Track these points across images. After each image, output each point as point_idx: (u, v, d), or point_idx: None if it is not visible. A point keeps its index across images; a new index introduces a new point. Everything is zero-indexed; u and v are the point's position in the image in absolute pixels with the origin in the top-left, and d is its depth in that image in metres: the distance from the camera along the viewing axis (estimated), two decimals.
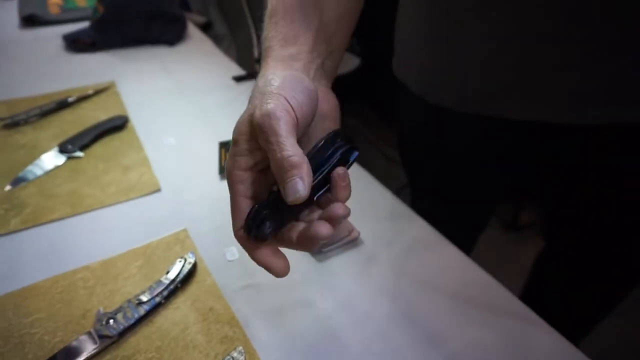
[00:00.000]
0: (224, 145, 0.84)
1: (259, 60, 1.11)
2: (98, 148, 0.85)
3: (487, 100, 0.64)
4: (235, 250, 0.63)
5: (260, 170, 0.37)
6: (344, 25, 0.50)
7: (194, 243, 0.63)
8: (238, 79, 1.10)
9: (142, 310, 0.52)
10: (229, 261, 0.61)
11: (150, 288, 0.55)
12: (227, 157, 0.38)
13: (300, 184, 0.32)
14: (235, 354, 0.48)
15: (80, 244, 0.64)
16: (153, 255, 0.61)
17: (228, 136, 0.84)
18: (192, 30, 1.42)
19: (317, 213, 0.38)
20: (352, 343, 0.51)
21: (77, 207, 0.70)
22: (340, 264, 0.62)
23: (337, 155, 0.37)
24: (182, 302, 0.55)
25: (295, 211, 0.37)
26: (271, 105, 0.34)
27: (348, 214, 0.34)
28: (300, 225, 0.36)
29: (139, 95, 1.02)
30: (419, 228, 0.67)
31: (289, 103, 0.35)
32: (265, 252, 0.36)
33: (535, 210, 1.88)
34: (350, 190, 0.36)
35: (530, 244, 1.76)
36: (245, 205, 0.36)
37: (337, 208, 0.34)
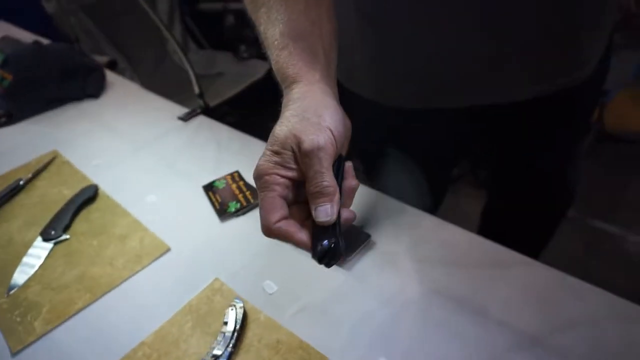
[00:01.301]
0: (208, 189, 0.86)
1: (200, 95, 1.13)
2: (80, 225, 0.83)
3: (435, 95, 0.76)
4: (272, 284, 0.68)
5: (293, 182, 0.44)
6: (336, 37, 0.55)
7: (231, 289, 0.67)
8: (184, 118, 1.11)
9: None
10: (270, 294, 0.67)
11: (217, 342, 0.59)
12: (262, 159, 0.44)
13: (330, 209, 0.41)
14: None
15: (119, 324, 0.65)
16: (200, 312, 0.64)
17: (203, 179, 0.87)
18: (110, 76, 1.37)
19: None
20: (406, 326, 0.60)
21: (96, 290, 0.69)
22: (366, 266, 0.70)
23: (340, 170, 0.46)
24: (249, 345, 0.60)
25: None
26: (322, 140, 0.41)
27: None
28: None
29: (91, 159, 1.00)
30: (413, 216, 0.77)
31: (334, 137, 0.43)
32: (304, 234, 0.43)
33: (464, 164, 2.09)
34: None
35: (465, 194, 1.99)
36: (280, 204, 0.43)
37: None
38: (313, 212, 0.42)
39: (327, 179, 0.42)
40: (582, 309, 0.60)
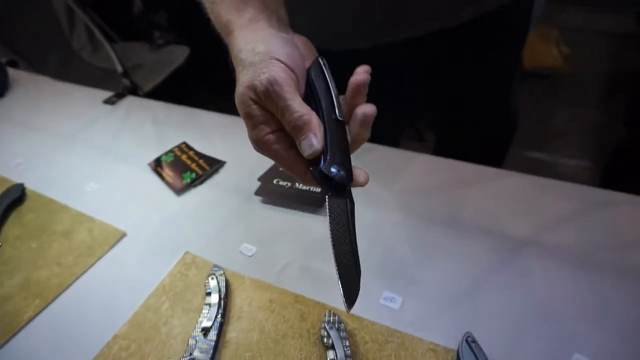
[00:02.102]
0: (156, 165, 0.78)
1: (125, 74, 1.02)
2: (12, 229, 0.72)
3: (370, 30, 0.72)
4: (249, 246, 0.62)
5: (283, 129, 0.40)
6: None
7: (205, 259, 0.61)
8: (111, 101, 1.01)
9: (213, 335, 0.50)
10: (250, 256, 0.61)
11: (203, 315, 0.52)
12: (248, 129, 0.40)
13: (313, 139, 0.37)
14: (328, 318, 0.50)
15: (85, 322, 0.56)
16: (176, 289, 0.58)
17: (147, 157, 0.79)
18: (13, 73, 1.21)
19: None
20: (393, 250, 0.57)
21: (47, 294, 0.60)
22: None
23: (327, 74, 0.41)
24: (239, 311, 0.54)
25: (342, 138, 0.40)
26: (267, 73, 0.37)
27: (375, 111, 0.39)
28: None
29: (10, 161, 0.87)
30: (380, 152, 0.75)
31: (283, 63, 0.38)
32: (294, 152, 0.39)
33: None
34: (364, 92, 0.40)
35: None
36: (294, 157, 0.39)
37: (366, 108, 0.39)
38: (300, 149, 0.38)
39: (296, 110, 0.37)
40: (563, 206, 0.60)
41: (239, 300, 0.55)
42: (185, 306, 0.56)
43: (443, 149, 1.21)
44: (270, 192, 0.68)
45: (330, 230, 0.37)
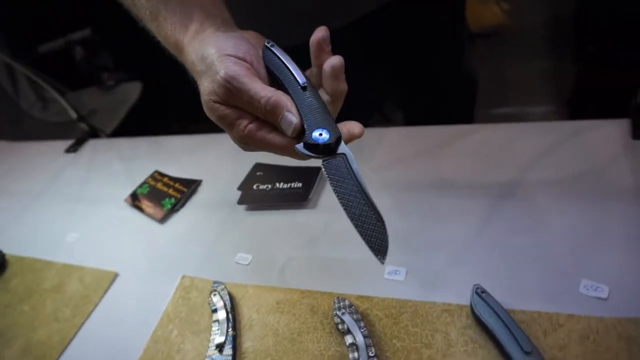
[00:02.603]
0: (133, 199, 0.77)
1: (81, 119, 1.00)
2: (2, 299, 0.69)
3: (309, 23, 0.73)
4: (244, 255, 0.61)
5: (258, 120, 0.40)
6: None
7: (204, 278, 0.60)
8: (72, 149, 0.98)
9: (229, 349, 0.50)
10: (247, 265, 0.60)
11: (214, 332, 0.52)
12: (228, 132, 0.41)
13: (289, 116, 0.37)
14: (338, 304, 0.50)
15: None
16: (181, 315, 0.56)
17: (122, 194, 0.78)
18: None
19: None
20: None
21: (51, 352, 0.58)
22: (329, 197, 0.66)
23: (276, 51, 0.41)
24: (249, 320, 0.53)
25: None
26: (221, 72, 0.38)
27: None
28: None
29: None
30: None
31: (233, 56, 0.39)
32: (277, 134, 0.39)
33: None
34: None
35: None
36: (281, 138, 0.39)
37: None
38: (282, 131, 0.38)
39: (261, 96, 0.37)
40: (537, 145, 0.62)
41: (246, 310, 0.55)
42: (194, 329, 0.54)
43: (412, 123, 1.23)
44: (252, 198, 0.68)
45: (335, 192, 0.36)
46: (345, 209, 0.36)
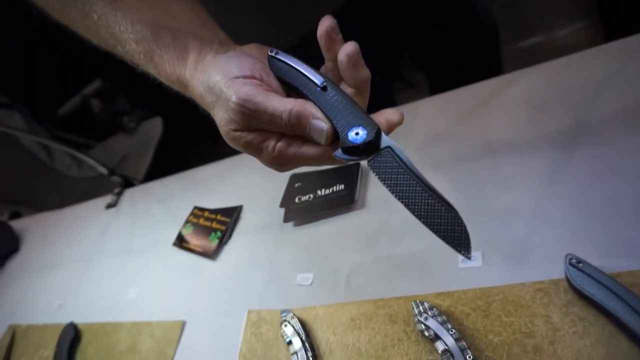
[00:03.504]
0: (180, 242, 0.75)
1: (111, 172, 1.00)
2: None
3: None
4: (305, 275, 0.58)
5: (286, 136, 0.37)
6: (199, 10, 0.46)
7: (270, 309, 0.57)
8: (112, 204, 0.99)
9: None
10: (310, 285, 0.57)
11: None
12: (258, 158, 0.38)
13: (317, 123, 0.34)
14: (417, 310, 0.45)
15: None
16: (257, 353, 0.54)
17: (169, 238, 0.76)
18: (15, 224, 1.21)
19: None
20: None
21: None
22: (374, 196, 0.61)
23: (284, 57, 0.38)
24: (328, 344, 0.50)
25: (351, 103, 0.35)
26: (232, 97, 0.34)
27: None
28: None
29: (51, 304, 0.85)
30: None
31: (240, 77, 0.35)
32: (310, 146, 0.37)
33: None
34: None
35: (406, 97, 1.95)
36: (316, 149, 0.36)
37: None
38: (315, 141, 0.35)
39: (281, 110, 0.34)
40: (590, 76, 0.54)
41: (322, 334, 0.51)
42: None
43: (438, 83, 1.15)
44: (297, 212, 0.64)
45: (392, 191, 0.32)
46: (408, 208, 0.32)
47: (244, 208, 0.73)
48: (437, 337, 0.42)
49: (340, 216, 0.61)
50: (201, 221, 0.75)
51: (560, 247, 0.42)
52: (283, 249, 0.63)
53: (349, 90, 0.36)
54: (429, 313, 0.44)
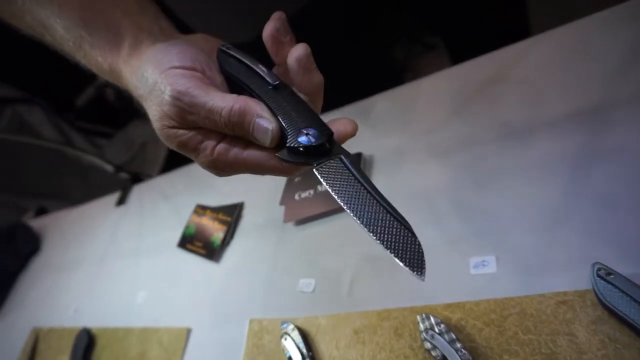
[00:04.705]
0: (184, 243, 0.72)
1: (118, 169, 0.98)
2: None
3: None
4: (307, 281, 0.54)
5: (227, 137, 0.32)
6: None
7: (271, 318, 0.54)
8: (120, 201, 0.97)
9: None
10: (312, 292, 0.53)
11: None
12: (194, 159, 0.34)
13: (262, 122, 0.30)
14: (423, 325, 0.41)
15: None
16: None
17: (174, 238, 0.74)
18: (36, 222, 1.22)
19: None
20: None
21: None
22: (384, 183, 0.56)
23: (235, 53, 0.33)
24: (330, 357, 0.46)
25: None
26: (168, 89, 0.30)
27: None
28: None
29: (67, 308, 0.86)
30: (387, 102, 0.63)
31: (178, 68, 0.31)
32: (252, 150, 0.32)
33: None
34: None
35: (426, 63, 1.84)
36: (259, 154, 0.31)
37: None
38: (258, 143, 0.31)
39: (221, 106, 0.30)
40: (627, 37, 0.46)
41: (324, 347, 0.48)
42: None
43: (458, 45, 1.06)
44: (297, 211, 0.60)
45: (341, 201, 0.28)
46: (359, 220, 0.27)
47: (245, 204, 0.69)
48: (443, 358, 0.38)
49: (342, 214, 0.56)
50: (204, 220, 0.71)
51: (587, 251, 0.36)
52: (283, 250, 0.59)
53: (301, 96, 0.31)
54: (436, 329, 0.39)
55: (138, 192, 0.97)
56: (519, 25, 0.97)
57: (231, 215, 0.68)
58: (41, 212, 1.66)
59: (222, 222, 0.69)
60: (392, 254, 0.26)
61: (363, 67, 0.79)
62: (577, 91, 0.45)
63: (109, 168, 0.97)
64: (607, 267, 0.33)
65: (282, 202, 0.62)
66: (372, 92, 0.67)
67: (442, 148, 0.52)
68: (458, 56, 1.05)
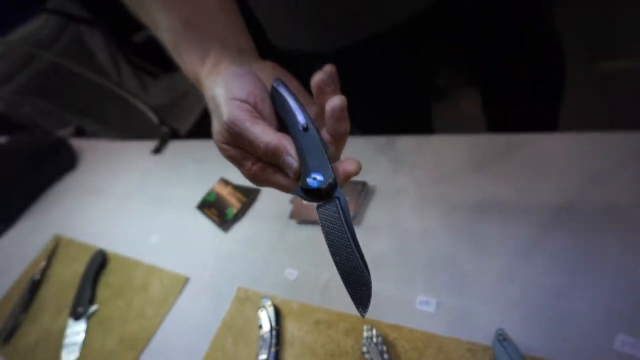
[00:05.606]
0: (202, 206, 0.85)
1: (162, 123, 1.11)
2: (104, 291, 0.83)
3: (357, 25, 0.70)
4: (292, 270, 0.66)
5: (262, 160, 0.41)
6: (229, 6, 0.51)
7: (257, 291, 0.66)
8: (157, 150, 1.10)
9: None
10: (294, 280, 0.65)
11: (259, 347, 0.58)
12: (238, 169, 0.43)
13: (289, 160, 0.38)
14: (366, 334, 0.53)
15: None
16: (236, 325, 0.64)
17: (194, 199, 0.86)
18: (77, 143, 1.36)
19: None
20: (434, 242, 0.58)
21: (138, 345, 0.70)
22: (373, 214, 0.67)
23: (282, 91, 0.42)
24: (292, 337, 0.59)
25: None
26: (225, 116, 0.39)
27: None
28: None
29: (89, 227, 1.00)
30: (402, 143, 0.74)
31: (237, 99, 0.40)
32: (280, 176, 0.41)
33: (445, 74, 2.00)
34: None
35: (461, 103, 1.91)
36: (285, 179, 0.40)
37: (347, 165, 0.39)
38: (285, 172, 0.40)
39: (262, 140, 0.38)
40: (593, 161, 0.56)
41: (290, 326, 0.60)
42: (246, 339, 0.62)
43: (489, 99, 1.13)
44: (302, 212, 0.71)
45: (326, 240, 0.37)
46: (332, 256, 0.37)
47: (262, 192, 0.82)
48: None
49: None
50: (224, 193, 0.84)
51: (501, 318, 0.48)
52: (282, 241, 0.71)
53: (326, 136, 0.40)
54: (374, 340, 0.51)
55: (173, 147, 1.09)
56: (549, 112, 1.04)
57: (248, 196, 0.81)
58: (79, 132, 1.80)
59: (238, 200, 0.81)
60: (348, 291, 0.36)
61: (405, 85, 0.86)
62: (551, 187, 0.56)
63: (154, 118, 1.10)
64: (505, 334, 0.45)
65: (291, 201, 0.74)
66: (405, 114, 0.77)
67: (439, 202, 0.63)
68: (490, 109, 1.13)
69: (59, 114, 2.03)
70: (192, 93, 2.27)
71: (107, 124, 2.14)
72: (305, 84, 0.45)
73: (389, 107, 0.87)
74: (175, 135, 1.12)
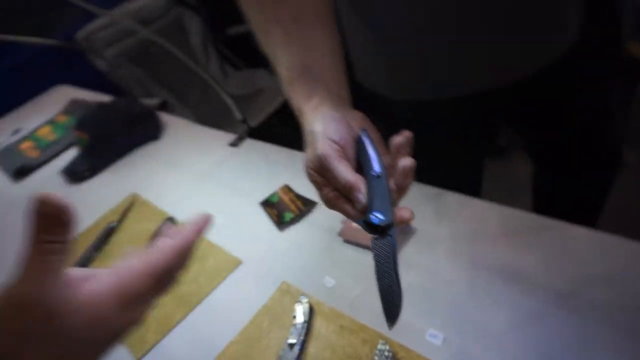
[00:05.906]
0: (265, 204, 0.99)
1: (243, 121, 1.26)
2: None
3: (443, 85, 0.82)
4: (330, 279, 0.78)
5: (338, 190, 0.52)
6: (337, 57, 0.62)
7: (297, 288, 0.79)
8: (234, 144, 1.25)
9: (297, 350, 0.68)
10: (330, 288, 0.77)
11: (290, 333, 0.70)
12: (317, 191, 0.53)
13: (359, 196, 0.48)
14: (380, 347, 0.64)
15: (211, 329, 0.78)
16: (273, 312, 0.77)
17: (259, 195, 1.00)
18: (163, 116, 1.54)
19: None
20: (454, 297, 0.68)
21: (189, 304, 0.84)
22: (408, 251, 0.78)
23: (365, 142, 0.52)
24: (318, 333, 0.71)
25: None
26: (318, 150, 0.49)
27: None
28: None
29: (164, 195, 1.16)
30: (439, 196, 0.85)
31: (331, 140, 0.50)
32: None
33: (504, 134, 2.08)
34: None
35: (516, 164, 1.98)
36: (353, 209, 0.50)
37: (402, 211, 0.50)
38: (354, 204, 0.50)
39: (342, 177, 0.48)
40: (612, 263, 0.65)
41: (319, 324, 0.72)
42: (280, 324, 0.74)
43: (541, 180, 1.22)
44: (351, 233, 0.84)
45: (375, 266, 0.47)
46: (377, 280, 0.47)
47: (318, 206, 0.94)
48: None
49: None
50: (285, 198, 0.97)
51: None
52: (327, 252, 0.84)
53: (392, 185, 0.50)
54: (386, 354, 0.62)
55: (249, 144, 1.24)
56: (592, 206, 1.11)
57: (306, 206, 0.94)
58: (163, 105, 2.00)
59: (297, 207, 0.94)
60: (383, 307, 0.47)
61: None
62: (560, 272, 0.66)
63: (238, 115, 1.25)
64: None
65: (343, 221, 0.87)
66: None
67: (468, 257, 0.73)
68: (539, 181, 1.21)
69: (147, 84, 2.25)
70: (268, 92, 2.44)
71: (185, 102, 2.34)
72: (380, 123, 0.57)
73: (448, 159, 0.98)
74: (252, 134, 1.27)
